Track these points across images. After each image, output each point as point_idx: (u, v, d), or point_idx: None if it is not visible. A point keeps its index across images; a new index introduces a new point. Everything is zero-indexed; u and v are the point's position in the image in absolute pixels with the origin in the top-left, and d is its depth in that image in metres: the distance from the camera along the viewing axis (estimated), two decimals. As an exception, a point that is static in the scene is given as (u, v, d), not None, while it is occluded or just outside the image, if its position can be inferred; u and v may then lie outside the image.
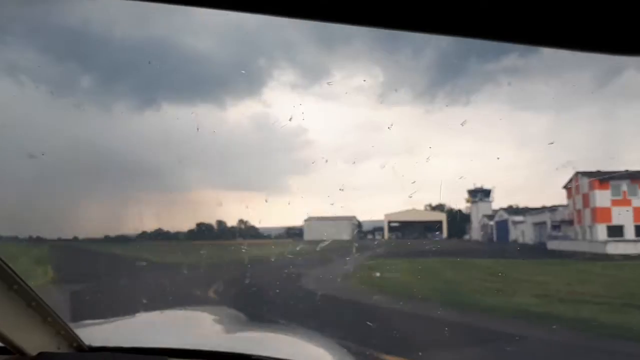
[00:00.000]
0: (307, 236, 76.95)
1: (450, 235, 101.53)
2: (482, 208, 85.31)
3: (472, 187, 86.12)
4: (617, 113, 66.02)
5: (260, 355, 2.06)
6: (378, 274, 19.04)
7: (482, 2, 0.58)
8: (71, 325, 1.96)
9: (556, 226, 48.09)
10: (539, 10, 0.58)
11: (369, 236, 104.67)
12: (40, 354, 1.79)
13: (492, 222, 72.44)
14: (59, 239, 31.41)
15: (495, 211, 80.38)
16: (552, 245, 42.97)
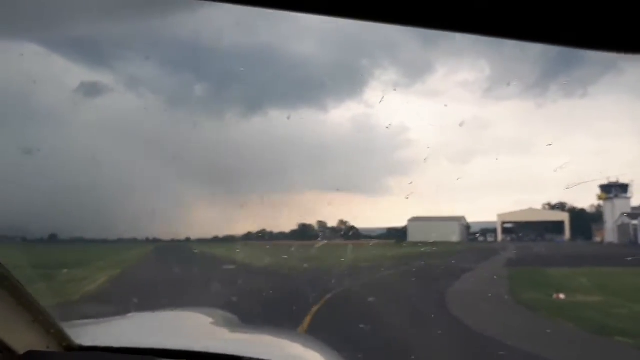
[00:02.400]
0: (411, 237, 71.57)
1: (573, 237, 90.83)
2: (620, 205, 73.45)
3: (603, 182, 75.18)
4: None
5: (250, 357, 2.03)
6: (561, 296, 12.71)
7: (504, 2, 0.59)
8: (62, 324, 1.93)
9: None
10: (539, 7, 0.59)
11: (480, 238, 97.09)
12: (28, 352, 1.79)
13: (635, 222, 61.18)
14: (173, 240, 33.92)
15: (638, 208, 68.61)
16: None
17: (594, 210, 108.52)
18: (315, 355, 2.66)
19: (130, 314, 3.43)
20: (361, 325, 8.55)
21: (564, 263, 25.13)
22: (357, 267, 22.23)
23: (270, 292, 13.06)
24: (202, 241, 35.30)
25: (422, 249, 37.16)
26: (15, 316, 1.73)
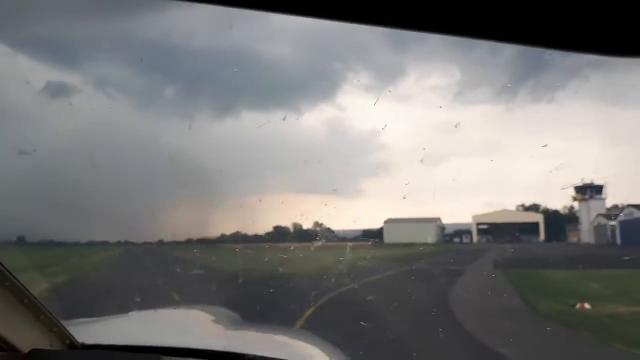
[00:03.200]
0: (387, 239, 70.49)
1: (548, 238, 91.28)
2: (595, 206, 73.28)
3: (574, 184, 75.06)
4: None
5: (254, 355, 2.04)
6: (587, 306, 10.79)
7: (482, 3, 0.59)
8: (64, 323, 1.93)
9: None
10: (540, 12, 0.59)
11: (456, 239, 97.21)
12: (32, 351, 1.79)
13: (613, 223, 60.70)
14: (145, 243, 32.31)
15: (613, 209, 68.45)
16: None
17: (567, 211, 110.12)
18: (317, 352, 2.63)
19: (133, 312, 3.25)
20: None
21: (558, 265, 23.59)
22: (338, 272, 20.35)
23: (236, 302, 10.87)
24: (175, 244, 34.29)
25: (403, 251, 35.57)
26: (19, 316, 1.73)
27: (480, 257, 36.36)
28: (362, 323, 8.30)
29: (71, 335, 1.93)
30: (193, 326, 2.96)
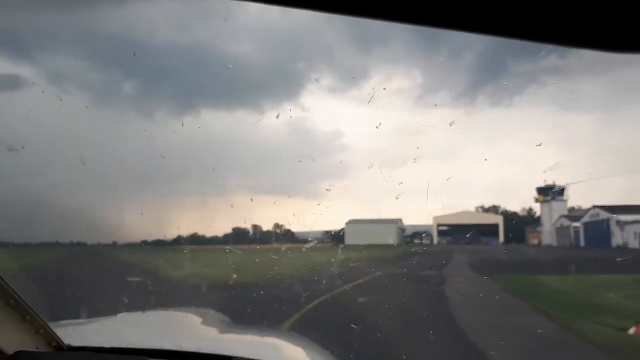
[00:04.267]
0: (348, 240, 68.42)
1: (508, 240, 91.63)
2: (557, 208, 72.81)
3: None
4: None
5: (242, 357, 2.03)
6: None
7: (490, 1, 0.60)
8: (51, 324, 1.91)
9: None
10: (546, 8, 0.59)
11: (416, 241, 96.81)
12: (18, 352, 1.76)
13: (576, 224, 59.82)
14: (99, 244, 30.86)
15: (571, 211, 67.97)
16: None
17: (525, 213, 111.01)
18: (306, 355, 2.61)
19: (121, 314, 3.25)
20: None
21: (547, 269, 21.17)
22: (301, 277, 17.80)
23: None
24: (130, 246, 33.29)
25: (368, 253, 32.92)
26: (4, 317, 1.70)
27: (450, 259, 33.96)
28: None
29: (57, 336, 1.89)
30: (182, 328, 2.85)
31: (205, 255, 28.75)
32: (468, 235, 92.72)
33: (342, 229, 75.19)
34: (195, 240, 31.43)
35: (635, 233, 43.00)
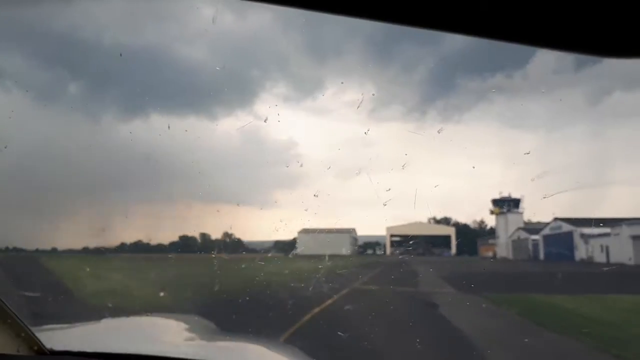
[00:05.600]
0: (300, 249, 66.19)
1: (460, 251, 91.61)
2: (513, 220, 71.61)
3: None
4: (606, 132, 65.65)
5: None
6: None
7: (484, 2, 0.59)
8: (33, 329, 1.88)
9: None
10: (541, 12, 0.59)
11: (369, 251, 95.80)
12: None
13: (535, 237, 58.30)
14: (37, 250, 30.10)
15: (532, 223, 66.74)
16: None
17: (476, 225, 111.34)
18: None
19: (104, 319, 3.16)
20: None
21: (540, 287, 18.10)
22: (244, 290, 13.92)
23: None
24: (70, 252, 32.57)
25: (324, 263, 29.32)
26: None
27: (416, 271, 30.69)
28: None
29: (39, 340, 1.87)
30: (166, 334, 2.81)
31: (137, 265, 26.61)
32: (419, 246, 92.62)
33: (295, 238, 73.39)
34: (139, 248, 30.91)
35: (602, 246, 41.25)
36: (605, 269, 33.20)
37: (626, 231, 36.40)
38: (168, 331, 2.95)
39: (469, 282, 21.62)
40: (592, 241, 43.66)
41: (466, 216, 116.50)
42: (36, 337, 1.87)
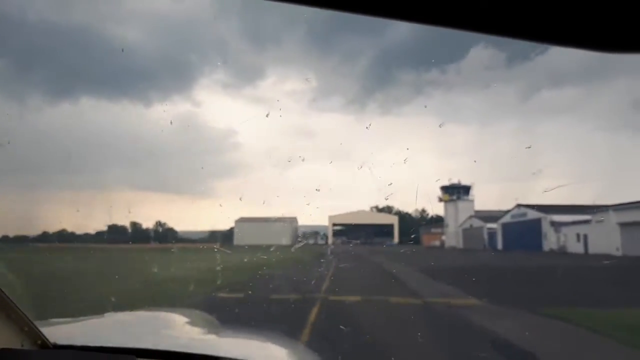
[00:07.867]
0: (238, 240, 61.34)
1: (402, 240, 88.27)
2: (463, 208, 67.47)
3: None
4: (535, 128, 67.17)
5: (230, 357, 1.94)
6: None
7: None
8: (37, 322, 1.84)
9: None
10: (536, 6, 0.58)
11: (310, 240, 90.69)
12: (2, 350, 1.70)
13: (492, 225, 53.93)
14: None
15: (485, 211, 62.65)
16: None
17: (418, 214, 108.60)
18: (295, 356, 2.65)
19: (107, 313, 3.13)
20: None
21: (563, 299, 12.28)
22: (174, 288, 11.64)
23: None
24: None
25: (266, 256, 23.22)
26: None
27: (379, 262, 24.71)
28: None
29: (43, 334, 1.84)
30: (169, 328, 2.76)
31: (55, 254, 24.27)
32: (361, 235, 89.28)
33: (232, 228, 68.66)
34: (63, 237, 29.56)
35: (578, 235, 36.72)
36: (594, 262, 28.23)
37: (613, 218, 31.79)
38: (171, 325, 2.86)
39: (457, 277, 15.54)
40: (565, 229, 39.21)
41: (407, 205, 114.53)
42: (40, 331, 1.83)
